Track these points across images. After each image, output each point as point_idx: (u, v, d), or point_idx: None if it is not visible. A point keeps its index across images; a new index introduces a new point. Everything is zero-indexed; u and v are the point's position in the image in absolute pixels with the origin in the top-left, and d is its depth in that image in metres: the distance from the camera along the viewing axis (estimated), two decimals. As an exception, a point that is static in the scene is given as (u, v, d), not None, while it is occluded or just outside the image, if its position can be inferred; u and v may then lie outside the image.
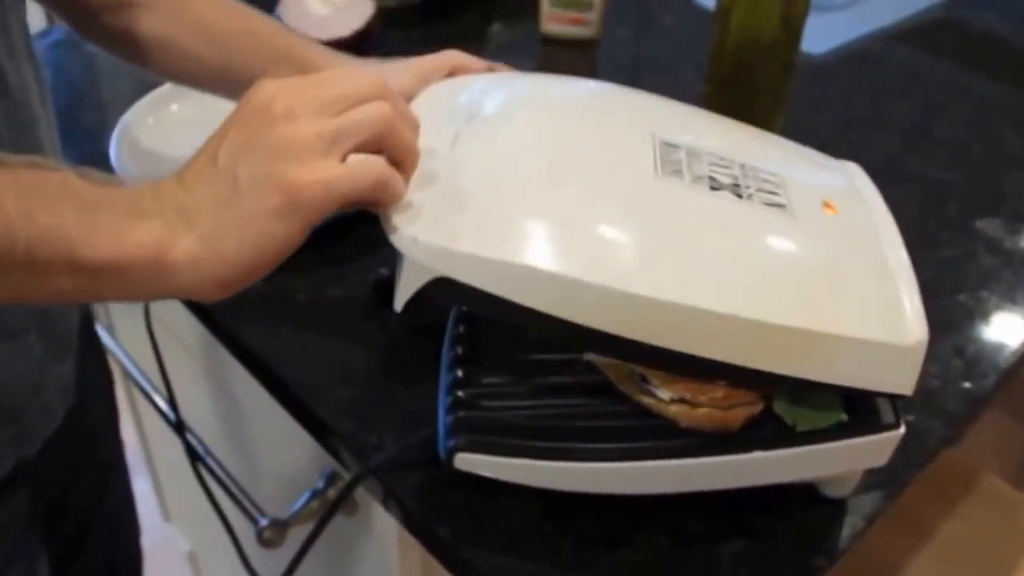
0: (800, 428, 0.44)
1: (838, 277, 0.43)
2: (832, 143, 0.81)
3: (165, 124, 0.68)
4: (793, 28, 0.67)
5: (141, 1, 0.57)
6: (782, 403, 0.44)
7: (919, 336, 0.42)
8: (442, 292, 0.40)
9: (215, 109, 0.56)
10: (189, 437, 0.72)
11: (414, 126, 0.42)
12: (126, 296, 0.37)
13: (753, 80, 0.68)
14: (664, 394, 0.43)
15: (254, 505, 0.68)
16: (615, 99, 0.52)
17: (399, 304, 0.41)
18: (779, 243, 0.43)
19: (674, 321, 0.39)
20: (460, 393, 0.46)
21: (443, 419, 0.46)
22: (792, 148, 0.54)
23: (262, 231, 0.36)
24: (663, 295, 0.39)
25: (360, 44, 0.87)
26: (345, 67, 0.41)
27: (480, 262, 0.39)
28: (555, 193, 0.42)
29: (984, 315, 0.63)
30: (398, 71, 0.54)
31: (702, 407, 0.42)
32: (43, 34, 0.89)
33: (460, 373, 0.47)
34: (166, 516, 1.31)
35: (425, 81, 0.52)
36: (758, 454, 0.44)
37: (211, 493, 0.70)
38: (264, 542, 0.65)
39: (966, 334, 0.61)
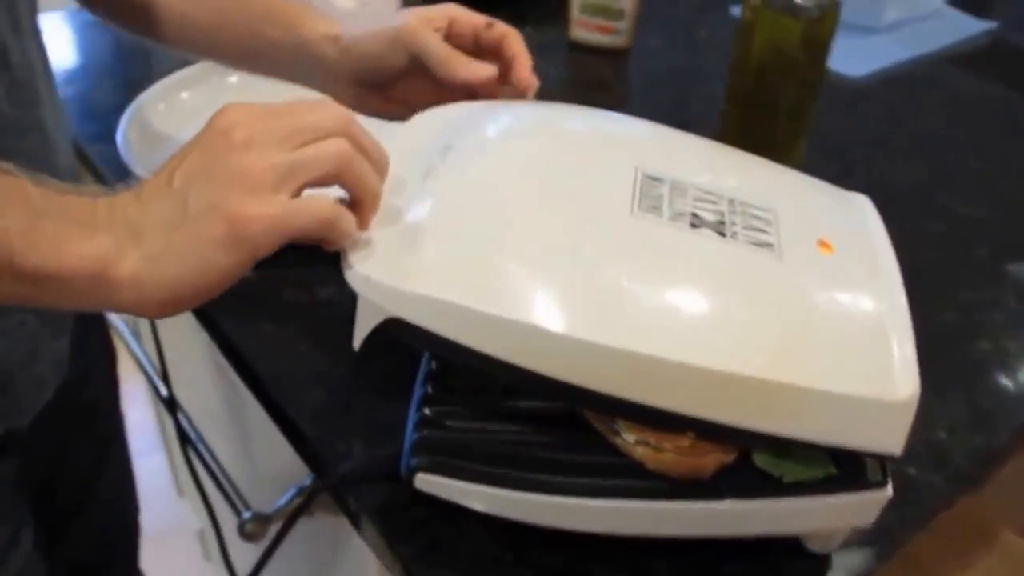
0: (787, 480, 0.42)
1: (822, 325, 0.41)
2: (859, 170, 0.79)
3: (175, 111, 0.69)
4: (818, 48, 0.64)
5: None
6: (764, 455, 0.42)
7: (909, 391, 0.39)
8: (396, 332, 0.39)
9: (225, 98, 0.56)
10: (182, 419, 0.73)
11: (380, 163, 0.41)
12: (68, 305, 0.37)
13: (774, 100, 0.66)
14: (628, 436, 0.41)
15: (240, 496, 0.69)
16: (602, 130, 0.50)
17: (356, 343, 0.40)
18: (758, 287, 0.41)
19: (634, 371, 0.37)
20: (427, 411, 0.45)
21: (409, 435, 0.45)
22: (797, 180, 0.51)
23: (204, 258, 0.36)
24: (622, 343, 0.37)
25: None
26: (315, 99, 0.41)
27: (431, 304, 0.38)
28: (517, 233, 0.40)
29: (1006, 366, 0.60)
30: (401, 13, 0.53)
31: (667, 452, 0.41)
32: (76, 13, 0.90)
33: (430, 389, 0.46)
34: (180, 492, 1.33)
35: (429, 23, 0.52)
36: (730, 504, 0.42)
37: (198, 478, 0.70)
38: (245, 535, 0.65)
39: (983, 385, 0.59)
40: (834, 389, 0.38)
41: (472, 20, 0.53)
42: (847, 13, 0.93)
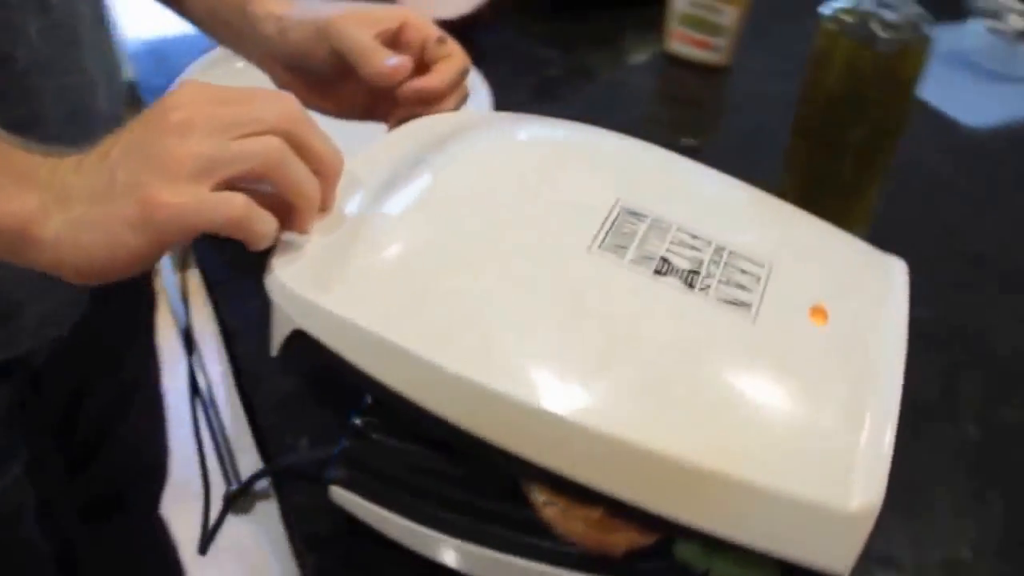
0: None
1: (777, 406, 0.35)
2: (948, 235, 0.70)
3: (229, 79, 0.69)
4: (899, 86, 0.57)
5: None
6: (689, 547, 0.37)
7: (863, 503, 0.33)
8: (303, 345, 0.36)
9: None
10: (199, 371, 0.73)
11: (328, 168, 0.39)
12: None
13: (843, 139, 0.59)
14: (538, 494, 0.37)
15: (233, 466, 0.69)
16: (596, 156, 0.46)
17: (273, 350, 0.38)
18: (709, 352, 0.36)
19: (539, 430, 0.33)
20: (357, 421, 0.43)
21: (340, 443, 0.43)
22: (819, 234, 0.45)
23: (115, 235, 0.35)
24: (526, 397, 0.33)
25: (466, 29, 0.85)
26: (275, 91, 0.39)
27: (334, 321, 0.35)
28: (448, 260, 0.37)
29: (1064, 484, 0.51)
30: (341, 5, 0.49)
31: (576, 521, 0.37)
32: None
33: (369, 398, 0.44)
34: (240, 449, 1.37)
35: (373, 22, 0.47)
36: None
37: (199, 432, 0.71)
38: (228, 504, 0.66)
39: (1031, 502, 0.50)
40: (772, 486, 0.33)
41: (425, 30, 0.48)
42: (979, 56, 0.83)
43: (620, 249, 0.38)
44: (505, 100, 0.79)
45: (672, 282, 0.38)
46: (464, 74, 0.49)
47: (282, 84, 0.52)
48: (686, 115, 0.85)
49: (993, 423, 0.55)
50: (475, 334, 0.35)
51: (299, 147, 0.38)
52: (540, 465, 0.34)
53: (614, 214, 0.40)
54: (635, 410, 0.33)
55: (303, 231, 0.39)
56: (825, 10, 0.56)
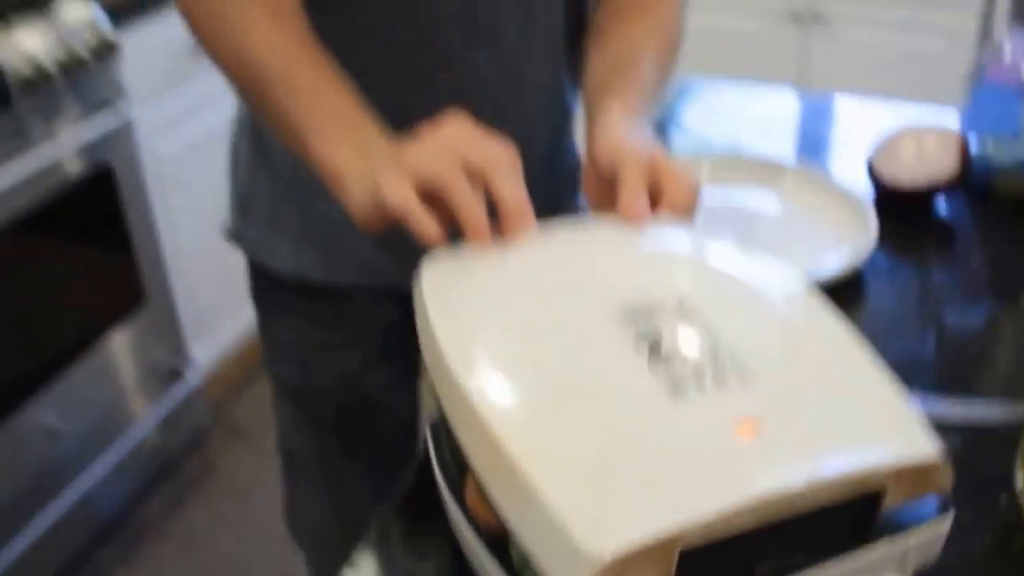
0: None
1: (598, 450, 0.39)
2: None
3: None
4: None
5: None
6: (517, 550, 0.42)
7: (601, 552, 0.35)
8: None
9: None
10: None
11: (509, 211, 0.50)
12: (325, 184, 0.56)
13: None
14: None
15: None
16: (707, 265, 0.52)
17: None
18: (604, 395, 0.42)
19: (454, 398, 0.44)
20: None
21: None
22: (857, 379, 0.44)
23: (365, 200, 0.53)
24: (468, 384, 0.43)
25: (911, 200, 0.88)
26: (501, 143, 0.51)
27: (424, 319, 0.48)
28: (527, 302, 0.49)
29: None
30: (644, 151, 0.56)
31: (471, 490, 0.46)
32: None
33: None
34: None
35: (649, 171, 0.54)
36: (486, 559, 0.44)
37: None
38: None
39: None
40: (548, 502, 0.37)
41: (676, 194, 0.54)
42: None
43: (633, 318, 0.46)
44: (914, 274, 0.81)
45: (640, 348, 0.44)
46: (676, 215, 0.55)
47: (584, 161, 0.61)
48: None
49: None
50: (494, 364, 0.45)
51: (489, 185, 0.50)
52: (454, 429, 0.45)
53: (661, 303, 0.47)
54: (514, 401, 0.42)
55: (472, 239, 0.50)
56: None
